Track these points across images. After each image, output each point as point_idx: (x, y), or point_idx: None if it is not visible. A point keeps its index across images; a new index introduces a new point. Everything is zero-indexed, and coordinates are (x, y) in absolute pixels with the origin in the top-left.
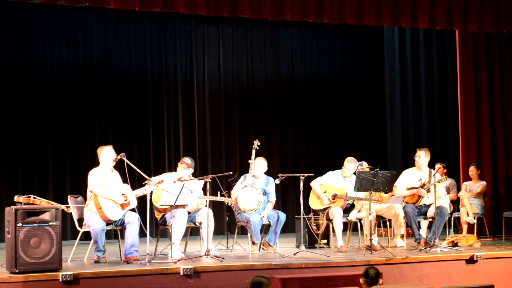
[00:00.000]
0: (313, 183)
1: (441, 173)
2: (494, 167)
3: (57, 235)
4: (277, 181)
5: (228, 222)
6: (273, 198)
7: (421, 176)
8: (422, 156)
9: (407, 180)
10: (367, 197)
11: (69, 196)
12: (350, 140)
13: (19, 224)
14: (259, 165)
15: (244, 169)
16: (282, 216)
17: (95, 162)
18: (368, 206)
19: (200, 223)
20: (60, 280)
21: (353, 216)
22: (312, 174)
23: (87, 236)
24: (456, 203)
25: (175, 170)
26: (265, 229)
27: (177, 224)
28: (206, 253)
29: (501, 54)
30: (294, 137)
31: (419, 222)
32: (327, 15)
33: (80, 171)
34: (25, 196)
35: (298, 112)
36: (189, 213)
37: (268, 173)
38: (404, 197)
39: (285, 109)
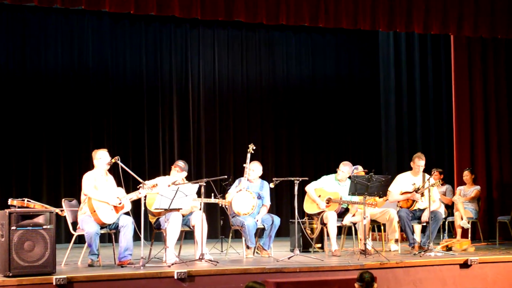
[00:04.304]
0: (308, 188)
1: (437, 179)
2: (488, 172)
3: (51, 239)
4: (272, 185)
5: (222, 226)
6: (267, 202)
7: (415, 181)
8: (422, 164)
9: (401, 184)
10: (361, 201)
11: (63, 200)
12: (344, 144)
13: (13, 227)
14: (254, 169)
15: (238, 173)
16: (277, 220)
17: (89, 166)
18: (362, 210)
19: (193, 226)
20: (54, 283)
21: (347, 220)
22: (306, 178)
23: (81, 239)
24: (450, 208)
25: (170, 174)
26: (259, 233)
27: (172, 227)
28: (200, 257)
29: (496, 59)
30: (288, 141)
31: (413, 226)
32: (323, 19)
33: (75, 174)
34: (19, 199)
35: (293, 116)
36: (183, 216)
37: (262, 177)
38: (398, 201)
39: (280, 113)
